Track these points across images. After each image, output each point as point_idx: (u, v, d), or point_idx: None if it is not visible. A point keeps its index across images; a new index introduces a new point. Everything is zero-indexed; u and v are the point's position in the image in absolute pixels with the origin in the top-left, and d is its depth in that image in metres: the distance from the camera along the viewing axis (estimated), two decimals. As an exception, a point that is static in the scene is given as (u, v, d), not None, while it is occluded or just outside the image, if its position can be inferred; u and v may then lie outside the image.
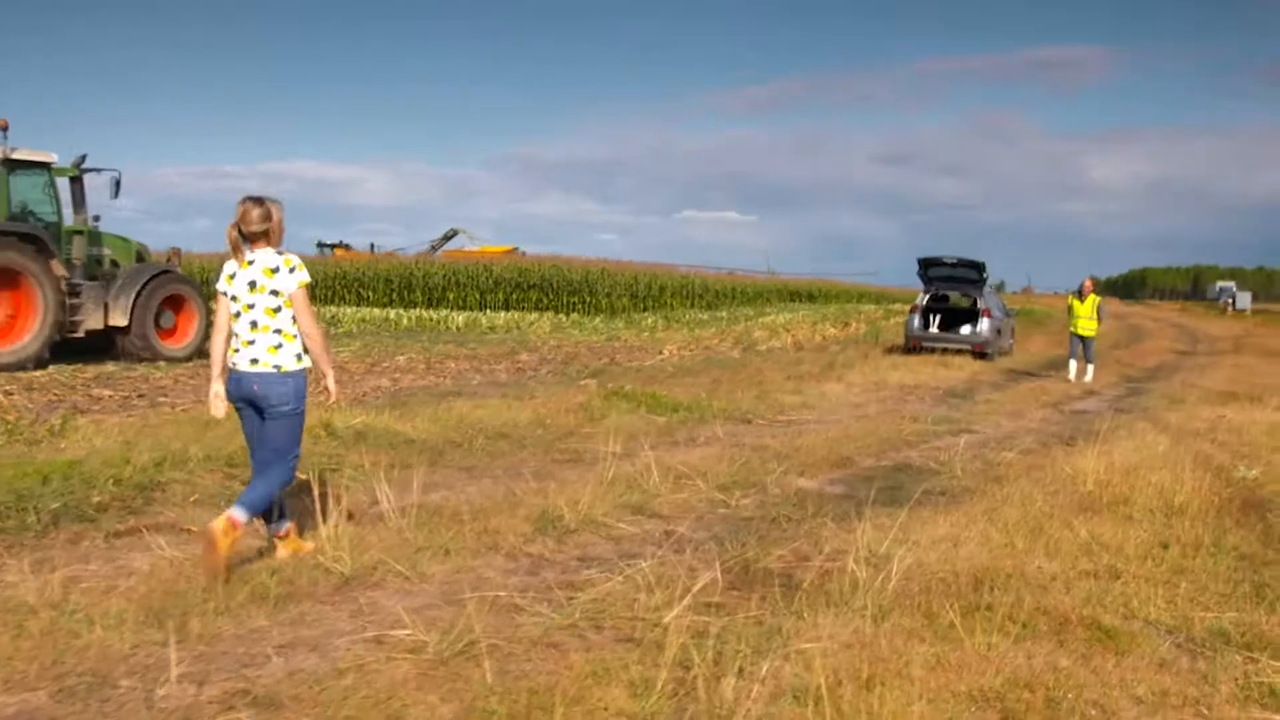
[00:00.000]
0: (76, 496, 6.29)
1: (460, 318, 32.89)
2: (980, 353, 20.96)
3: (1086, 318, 18.06)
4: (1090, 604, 4.93)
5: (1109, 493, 7.18)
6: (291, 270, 5.06)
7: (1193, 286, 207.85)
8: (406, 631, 4.24)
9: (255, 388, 5.06)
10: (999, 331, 21.68)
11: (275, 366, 5.06)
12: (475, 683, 3.83)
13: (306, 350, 5.17)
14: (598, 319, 35.69)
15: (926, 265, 22.20)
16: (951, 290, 22.81)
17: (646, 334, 28.13)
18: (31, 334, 14.02)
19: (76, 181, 15.83)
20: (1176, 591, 5.21)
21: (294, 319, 5.09)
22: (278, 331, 5.07)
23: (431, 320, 31.69)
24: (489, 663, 3.96)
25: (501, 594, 4.85)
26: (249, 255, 5.07)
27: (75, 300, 14.74)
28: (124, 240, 16.77)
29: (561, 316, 36.91)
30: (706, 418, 11.48)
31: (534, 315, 35.58)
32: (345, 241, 52.33)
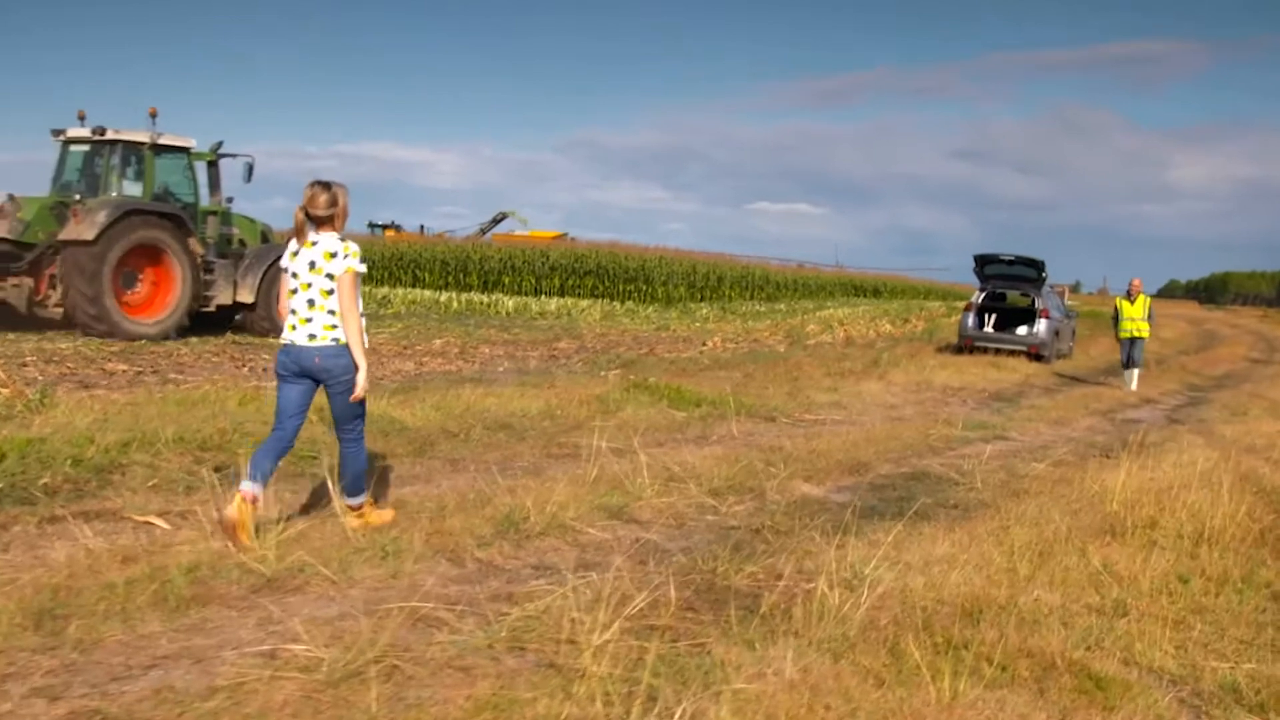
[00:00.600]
0: (27, 477, 6.02)
1: (511, 302, 32.65)
2: (1036, 355, 20.12)
3: (1138, 319, 16.92)
4: (1086, 645, 4.38)
5: (1135, 514, 6.56)
6: (345, 256, 5.22)
7: (1278, 292, 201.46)
8: (304, 646, 3.84)
9: (317, 360, 5.23)
10: (1057, 333, 20.79)
11: (334, 340, 5.24)
12: (359, 711, 3.42)
13: (365, 330, 5.35)
14: (651, 308, 35.25)
15: (983, 262, 21.39)
16: (1009, 289, 21.97)
17: (698, 324, 27.65)
18: (171, 307, 15.32)
19: (213, 165, 17.10)
20: (1189, 635, 4.63)
21: None
22: (332, 312, 5.24)
23: (482, 304, 31.48)
24: (382, 687, 3.55)
25: (429, 605, 4.43)
26: (313, 237, 5.28)
27: (209, 276, 16.03)
28: (250, 221, 17.86)
29: (616, 304, 36.50)
30: (728, 414, 10.97)
31: (586, 302, 35.19)
32: (396, 222, 52.34)
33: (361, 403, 5.41)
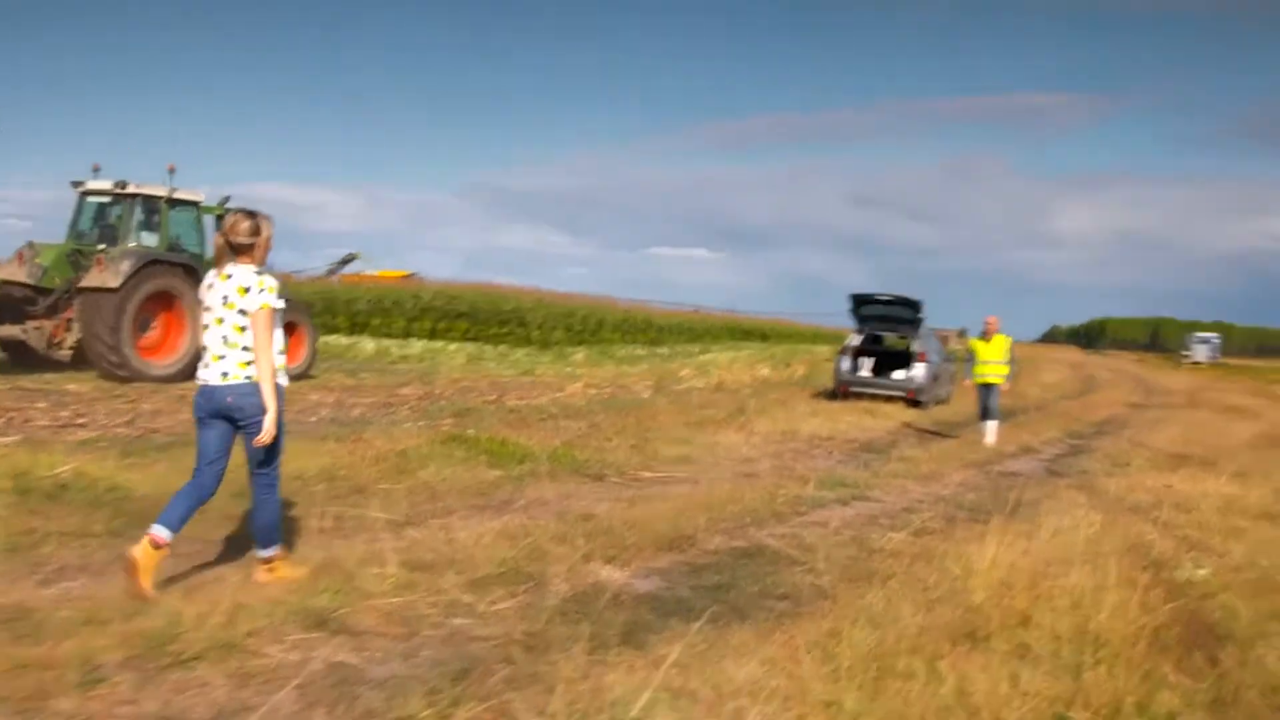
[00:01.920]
0: None
1: (371, 345, 30.67)
2: (913, 400, 19.05)
3: (994, 362, 14.70)
4: None
5: (1004, 607, 5.18)
6: (260, 291, 4.99)
7: (1151, 338, 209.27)
8: None
9: (229, 399, 5.01)
10: (935, 378, 19.76)
11: (248, 378, 5.00)
12: None
13: (281, 368, 5.11)
14: (523, 352, 33.62)
15: (860, 303, 20.26)
16: (886, 330, 20.94)
17: (569, 369, 26.11)
18: (182, 351, 15.76)
19: (220, 219, 17.02)
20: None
21: None
22: (246, 349, 5.00)
23: (340, 347, 29.47)
24: None
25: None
26: (229, 269, 5.06)
27: None
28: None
29: (488, 348, 34.77)
30: (553, 472, 9.46)
31: (455, 345, 33.40)
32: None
33: (275, 447, 5.14)
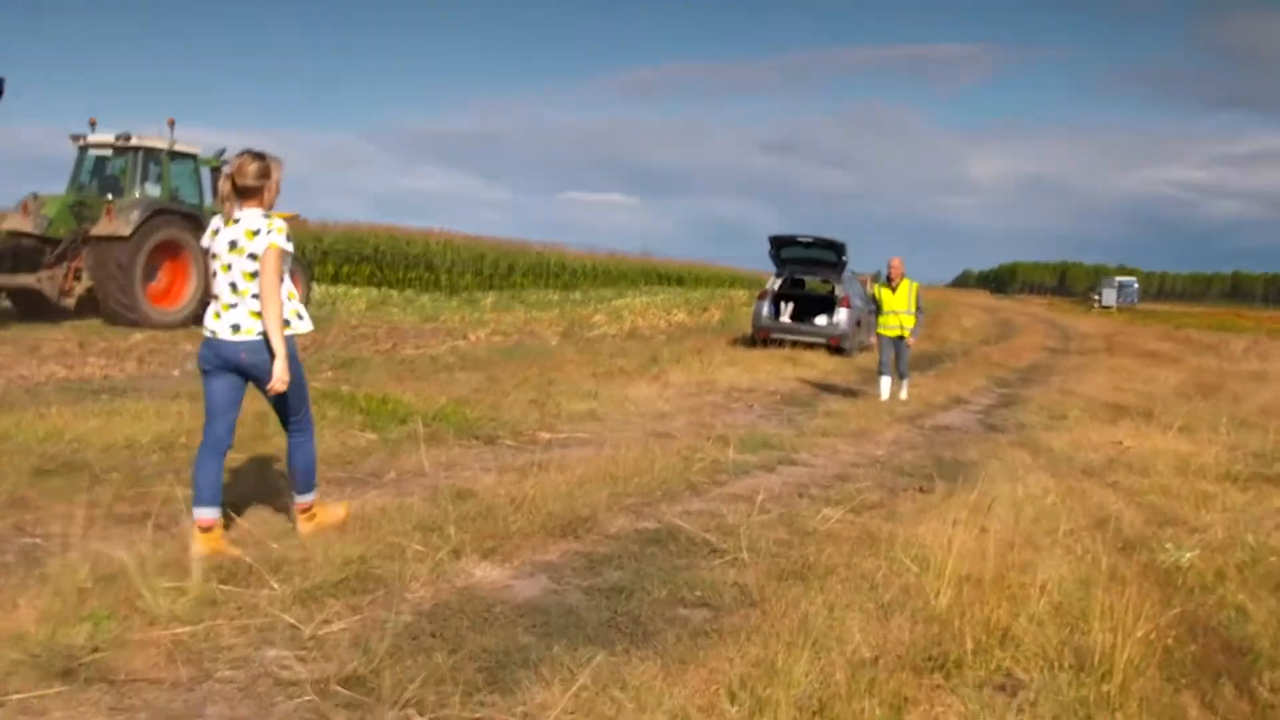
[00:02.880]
0: None
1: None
2: (836, 348, 18.10)
3: (901, 311, 12.60)
4: None
5: (975, 618, 4.13)
6: (269, 233, 4.71)
7: (1059, 282, 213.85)
8: None
9: (243, 356, 4.74)
10: (859, 324, 18.80)
11: (261, 334, 4.73)
12: None
13: (299, 316, 4.94)
14: (428, 297, 32.03)
15: (779, 244, 19.15)
16: (808, 274, 19.92)
17: (477, 315, 24.71)
18: (188, 298, 16.38)
19: (215, 171, 17.66)
20: None
21: None
22: (256, 296, 4.72)
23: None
24: None
25: None
26: (236, 214, 4.80)
27: None
28: None
29: (394, 293, 33.07)
30: (438, 434, 8.25)
31: (358, 290, 31.66)
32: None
33: (300, 391, 4.99)
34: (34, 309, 16.01)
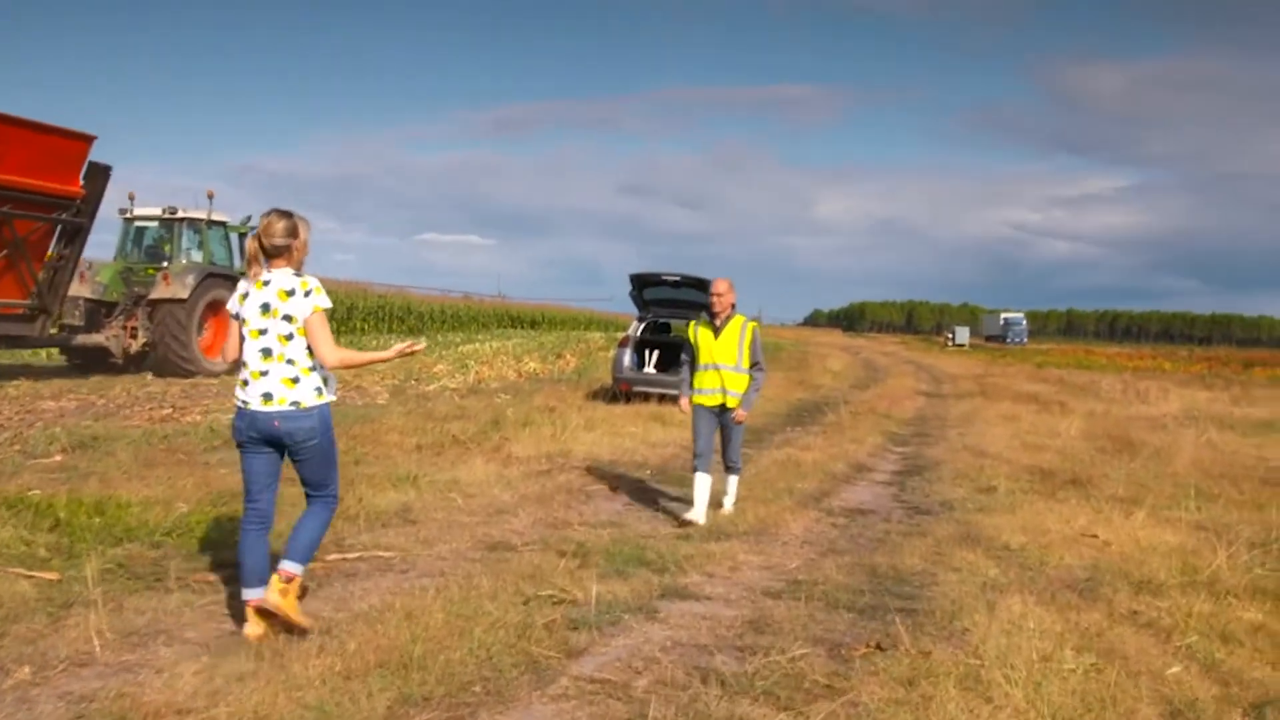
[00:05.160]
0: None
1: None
2: (709, 401, 15.82)
3: (726, 367, 7.83)
4: None
5: None
6: (308, 294, 4.56)
7: (907, 320, 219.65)
8: None
9: (276, 424, 4.54)
10: (733, 373, 16.58)
11: (294, 404, 4.55)
12: None
13: (326, 382, 4.67)
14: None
15: (642, 284, 16.71)
16: (674, 318, 17.59)
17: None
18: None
19: (243, 236, 19.83)
20: None
21: (309, 350, 4.56)
22: (291, 362, 4.56)
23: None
24: None
25: None
26: (265, 275, 4.62)
27: None
28: None
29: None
30: (158, 567, 5.57)
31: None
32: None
33: (334, 466, 4.77)
34: (90, 363, 18.36)
